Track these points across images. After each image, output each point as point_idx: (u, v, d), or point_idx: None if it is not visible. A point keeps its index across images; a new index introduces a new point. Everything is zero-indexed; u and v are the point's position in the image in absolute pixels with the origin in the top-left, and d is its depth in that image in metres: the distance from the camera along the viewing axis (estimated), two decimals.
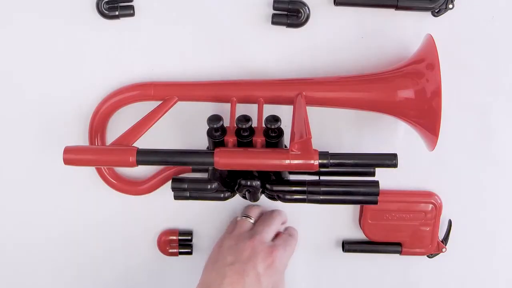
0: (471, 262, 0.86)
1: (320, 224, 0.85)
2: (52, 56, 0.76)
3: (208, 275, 0.72)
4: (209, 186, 0.73)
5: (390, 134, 0.78)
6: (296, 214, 0.83)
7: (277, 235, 0.79)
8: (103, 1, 0.72)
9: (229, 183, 0.73)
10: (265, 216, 0.80)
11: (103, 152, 0.69)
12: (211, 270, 0.73)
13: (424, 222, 0.81)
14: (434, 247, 0.83)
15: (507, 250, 0.85)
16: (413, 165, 0.80)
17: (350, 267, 0.87)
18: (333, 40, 0.75)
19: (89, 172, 0.80)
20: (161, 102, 0.72)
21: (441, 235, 0.83)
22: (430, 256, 0.84)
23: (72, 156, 0.69)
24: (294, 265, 0.81)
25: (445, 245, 0.83)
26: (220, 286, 0.69)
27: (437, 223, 0.82)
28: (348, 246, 0.85)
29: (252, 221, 0.79)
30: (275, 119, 0.68)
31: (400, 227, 0.82)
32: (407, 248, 0.83)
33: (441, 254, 0.84)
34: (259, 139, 0.69)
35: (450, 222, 0.83)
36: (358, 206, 0.83)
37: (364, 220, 0.82)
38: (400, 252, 0.83)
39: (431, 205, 0.81)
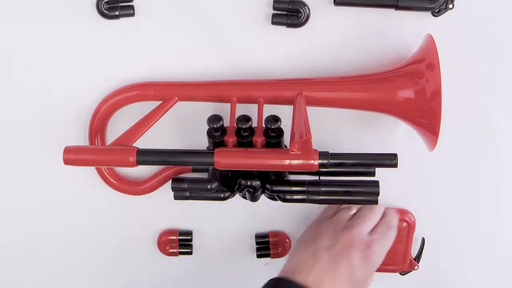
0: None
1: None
2: (52, 56, 0.76)
3: (301, 255, 0.70)
4: (209, 186, 0.73)
5: (390, 134, 0.79)
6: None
7: (375, 226, 0.76)
8: (103, 1, 0.72)
9: (229, 183, 0.73)
10: (365, 209, 0.77)
11: (103, 152, 0.69)
12: (303, 251, 0.71)
13: (397, 239, 0.78)
14: (407, 264, 0.83)
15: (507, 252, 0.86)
16: (413, 166, 0.80)
17: None
18: (333, 40, 0.75)
19: (89, 172, 0.80)
20: (161, 102, 0.73)
21: (414, 252, 0.84)
22: (403, 273, 0.84)
23: (72, 156, 0.69)
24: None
25: (418, 263, 0.84)
26: (312, 269, 0.67)
27: (409, 241, 0.82)
28: None
29: (351, 213, 0.77)
30: (275, 119, 0.68)
31: None
32: (380, 264, 0.82)
33: (413, 271, 0.84)
34: (259, 139, 0.69)
35: (423, 240, 0.84)
36: None
37: None
38: None
39: (404, 223, 0.81)
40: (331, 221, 0.75)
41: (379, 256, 0.73)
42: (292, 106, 0.71)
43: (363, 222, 0.75)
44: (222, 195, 0.75)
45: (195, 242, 0.85)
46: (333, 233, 0.72)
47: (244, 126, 0.68)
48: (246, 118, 0.68)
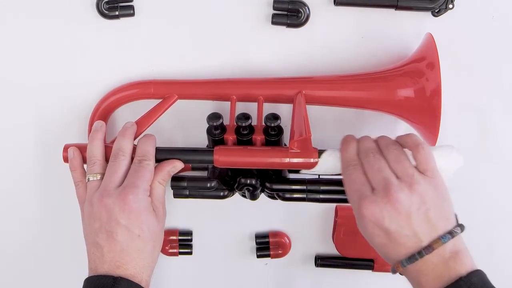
0: None
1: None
2: (52, 56, 0.76)
3: (89, 250, 0.68)
4: (208, 185, 0.73)
5: (390, 133, 0.77)
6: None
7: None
8: (103, 1, 0.72)
9: (228, 181, 0.73)
10: (109, 165, 0.70)
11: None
12: (88, 245, 0.68)
13: None
14: None
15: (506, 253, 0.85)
16: None
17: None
18: (333, 40, 0.75)
19: None
20: (161, 100, 0.73)
21: None
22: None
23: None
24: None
25: None
26: (103, 258, 0.66)
27: None
28: (321, 261, 0.85)
29: (98, 177, 0.70)
30: (274, 117, 0.68)
31: None
32: (380, 264, 0.82)
33: None
34: (258, 137, 0.69)
35: None
36: (331, 222, 0.83)
37: (337, 236, 0.81)
38: (372, 268, 0.83)
39: None
40: (87, 202, 0.69)
41: (138, 197, 0.67)
42: (292, 105, 0.71)
43: (107, 181, 0.68)
44: (221, 193, 0.75)
45: (195, 242, 0.85)
46: (93, 213, 0.67)
47: (243, 124, 0.68)
48: (245, 116, 0.68)
